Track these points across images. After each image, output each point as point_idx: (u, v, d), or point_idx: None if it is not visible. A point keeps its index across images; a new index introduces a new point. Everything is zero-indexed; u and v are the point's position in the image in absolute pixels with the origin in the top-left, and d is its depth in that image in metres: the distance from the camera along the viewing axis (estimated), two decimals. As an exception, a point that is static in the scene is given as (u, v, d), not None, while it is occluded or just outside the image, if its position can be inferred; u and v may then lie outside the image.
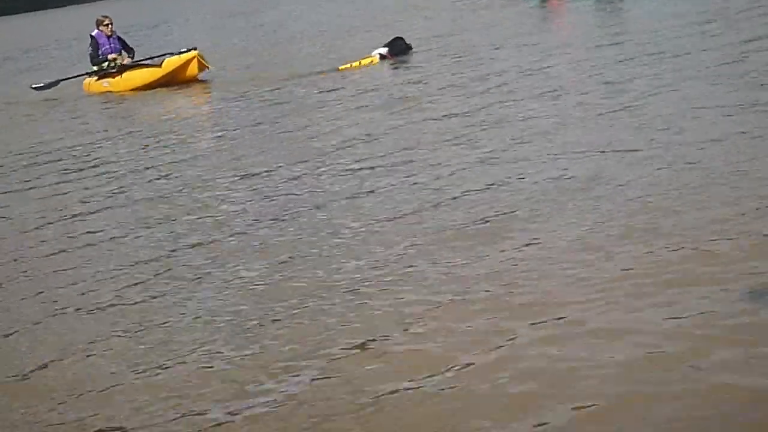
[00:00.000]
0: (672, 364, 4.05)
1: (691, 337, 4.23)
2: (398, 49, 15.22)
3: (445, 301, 4.99)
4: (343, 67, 14.86)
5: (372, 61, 14.89)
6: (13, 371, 4.95)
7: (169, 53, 16.57)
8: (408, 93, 11.69)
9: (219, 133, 11.07)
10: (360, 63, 14.91)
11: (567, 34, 15.66)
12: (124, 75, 16.31)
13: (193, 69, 15.80)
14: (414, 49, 15.53)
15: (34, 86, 17.65)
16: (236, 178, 8.49)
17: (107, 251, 6.83)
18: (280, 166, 8.72)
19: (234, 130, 11.14)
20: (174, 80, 15.85)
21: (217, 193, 8.06)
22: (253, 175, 8.43)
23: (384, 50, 15.09)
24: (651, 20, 14.79)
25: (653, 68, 10.63)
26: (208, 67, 16.12)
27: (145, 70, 16.24)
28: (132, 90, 16.09)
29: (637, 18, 15.61)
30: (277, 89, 13.86)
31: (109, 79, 16.48)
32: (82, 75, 17.07)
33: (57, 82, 17.43)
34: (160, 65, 16.04)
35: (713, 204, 5.86)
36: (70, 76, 17.39)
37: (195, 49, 16.57)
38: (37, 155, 11.41)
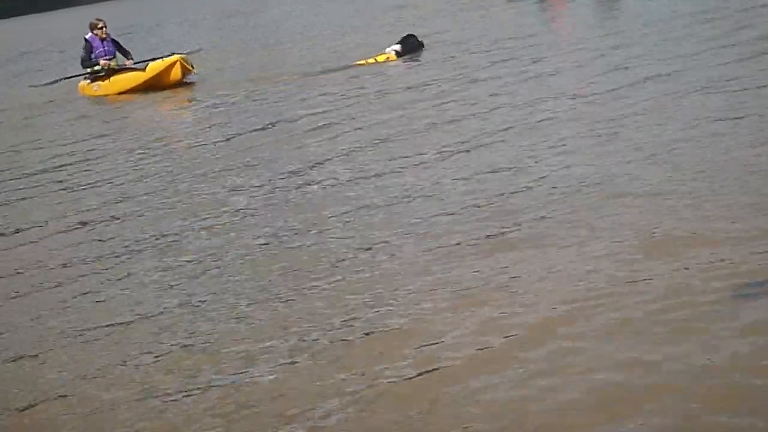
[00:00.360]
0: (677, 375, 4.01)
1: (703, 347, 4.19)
2: (411, 46, 15.39)
3: (454, 309, 4.94)
4: (358, 62, 15.02)
5: (389, 58, 15.02)
6: (28, 395, 4.83)
7: (153, 58, 16.66)
8: (417, 94, 11.63)
9: (214, 137, 11.01)
10: (375, 59, 15.04)
11: (568, 33, 15.62)
12: (111, 78, 16.41)
13: (176, 73, 15.89)
14: (425, 47, 15.65)
15: (32, 85, 17.76)
16: (245, 183, 8.42)
17: (114, 261, 6.73)
18: (286, 169, 8.67)
19: (230, 131, 11.09)
20: (158, 84, 15.94)
21: (225, 200, 7.95)
22: (260, 185, 8.31)
23: (398, 47, 15.23)
24: (651, 19, 14.73)
25: (656, 69, 10.58)
26: (192, 71, 16.22)
27: (130, 74, 16.34)
28: (119, 93, 16.17)
29: (637, 17, 15.55)
30: (284, 88, 13.84)
31: (99, 83, 16.54)
32: (79, 75, 17.04)
33: (55, 82, 17.48)
34: (144, 69, 16.16)
35: (714, 206, 5.83)
36: (69, 75, 17.36)
37: (200, 50, 16.57)
38: (36, 160, 11.37)
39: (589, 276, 5.05)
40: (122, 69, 16.51)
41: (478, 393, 4.07)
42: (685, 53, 11.26)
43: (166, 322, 5.37)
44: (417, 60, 14.72)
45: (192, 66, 16.20)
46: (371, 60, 15.02)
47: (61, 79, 17.45)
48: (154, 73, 15.91)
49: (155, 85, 15.90)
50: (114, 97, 16.03)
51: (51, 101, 16.72)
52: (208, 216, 7.47)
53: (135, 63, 16.62)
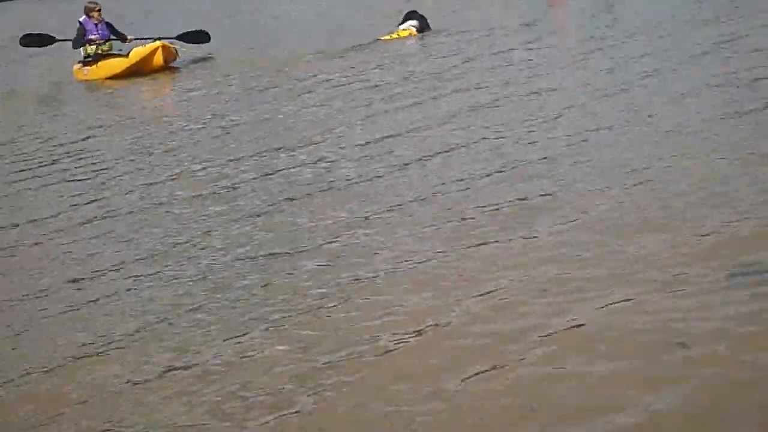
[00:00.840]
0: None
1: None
2: (423, 22, 16.30)
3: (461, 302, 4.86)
4: (383, 38, 15.90)
5: (411, 33, 15.99)
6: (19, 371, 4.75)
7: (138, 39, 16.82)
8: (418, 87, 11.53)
9: (208, 120, 10.93)
10: (398, 34, 15.94)
11: (569, 25, 15.65)
12: (99, 64, 16.57)
13: (158, 59, 16.03)
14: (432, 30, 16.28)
15: (24, 36, 17.68)
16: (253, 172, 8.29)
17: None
18: (300, 149, 8.67)
19: (244, 116, 11.05)
20: (142, 70, 16.06)
21: (232, 193, 7.78)
22: (275, 172, 8.20)
23: (415, 23, 16.14)
24: (651, 16, 14.71)
25: (656, 62, 10.66)
26: (177, 57, 16.40)
27: (114, 60, 16.51)
28: (105, 78, 16.30)
29: (638, 11, 15.53)
30: (301, 69, 13.93)
31: (88, 67, 16.66)
32: (67, 40, 17.06)
33: (49, 39, 17.42)
34: (127, 55, 16.32)
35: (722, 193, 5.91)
36: (64, 38, 17.29)
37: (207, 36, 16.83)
38: (35, 151, 11.19)
39: (603, 267, 5.02)
40: (108, 54, 16.62)
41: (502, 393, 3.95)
42: (688, 49, 11.29)
43: (168, 322, 5.18)
44: (425, 45, 14.97)
45: (177, 51, 16.40)
46: (395, 35, 15.88)
47: (55, 39, 17.41)
48: (137, 59, 16.07)
49: (138, 70, 16.02)
50: (102, 82, 16.12)
51: (51, 95, 16.64)
52: (212, 208, 7.32)
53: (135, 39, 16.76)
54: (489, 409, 3.81)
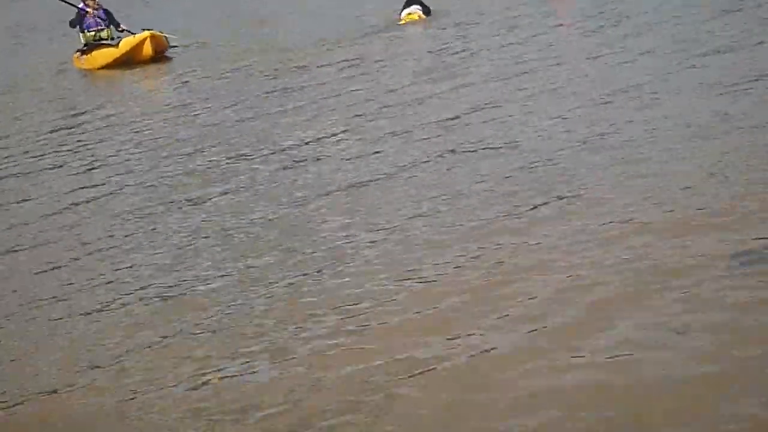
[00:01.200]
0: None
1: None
2: (426, 9, 16.74)
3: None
4: (401, 23, 16.40)
5: (419, 16, 16.52)
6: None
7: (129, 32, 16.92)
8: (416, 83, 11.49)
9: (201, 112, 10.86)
10: (408, 17, 16.50)
11: (569, 17, 15.60)
12: (93, 53, 16.80)
13: (147, 49, 16.16)
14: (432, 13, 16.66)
15: None
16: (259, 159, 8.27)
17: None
18: (310, 138, 8.77)
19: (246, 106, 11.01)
20: (132, 60, 16.23)
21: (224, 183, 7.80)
22: (288, 160, 8.23)
23: (419, 7, 16.59)
24: (653, 8, 14.67)
25: (660, 58, 10.66)
26: (167, 46, 16.47)
27: (106, 50, 16.72)
28: (98, 68, 16.51)
29: (641, 7, 15.46)
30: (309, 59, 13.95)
31: (85, 57, 16.90)
32: (71, 5, 17.11)
33: None
34: (117, 45, 16.48)
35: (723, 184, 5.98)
36: (69, 1, 17.34)
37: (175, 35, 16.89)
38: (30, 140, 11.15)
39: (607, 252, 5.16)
40: (100, 44, 16.81)
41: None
42: (691, 45, 11.26)
43: (182, 333, 5.18)
44: (430, 36, 15.07)
45: (168, 41, 16.48)
46: (407, 19, 16.38)
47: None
48: (127, 48, 16.26)
49: (129, 60, 16.20)
50: (97, 72, 16.36)
51: (50, 74, 16.79)
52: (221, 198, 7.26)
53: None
54: (516, 419, 3.79)
